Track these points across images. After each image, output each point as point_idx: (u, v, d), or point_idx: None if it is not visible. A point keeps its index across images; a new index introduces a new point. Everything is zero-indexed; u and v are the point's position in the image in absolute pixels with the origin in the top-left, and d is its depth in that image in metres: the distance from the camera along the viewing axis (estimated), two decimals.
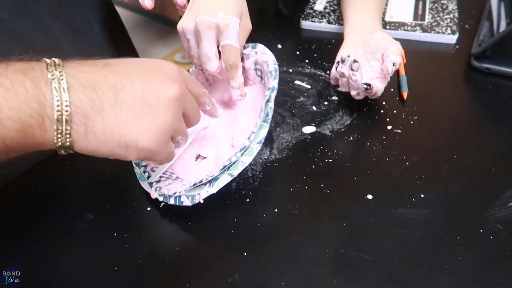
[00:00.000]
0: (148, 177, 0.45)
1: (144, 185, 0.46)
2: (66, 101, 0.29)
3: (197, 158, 0.49)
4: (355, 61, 0.50)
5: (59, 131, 0.29)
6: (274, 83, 0.42)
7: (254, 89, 0.51)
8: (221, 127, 0.52)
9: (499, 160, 0.48)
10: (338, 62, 0.52)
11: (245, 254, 0.41)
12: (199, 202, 0.42)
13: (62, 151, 0.30)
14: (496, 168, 0.47)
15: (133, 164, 0.47)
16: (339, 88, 0.55)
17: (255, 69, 0.50)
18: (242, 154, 0.41)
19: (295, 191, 0.46)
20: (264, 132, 0.41)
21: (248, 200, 0.46)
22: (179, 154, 0.48)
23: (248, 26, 0.48)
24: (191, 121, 0.38)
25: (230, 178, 0.41)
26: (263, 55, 0.47)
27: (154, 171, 0.46)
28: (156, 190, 0.44)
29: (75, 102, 0.29)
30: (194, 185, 0.42)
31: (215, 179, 0.42)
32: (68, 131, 0.29)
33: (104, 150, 0.31)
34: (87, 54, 0.37)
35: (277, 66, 0.45)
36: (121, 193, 0.48)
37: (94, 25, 0.61)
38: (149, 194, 0.45)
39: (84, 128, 0.30)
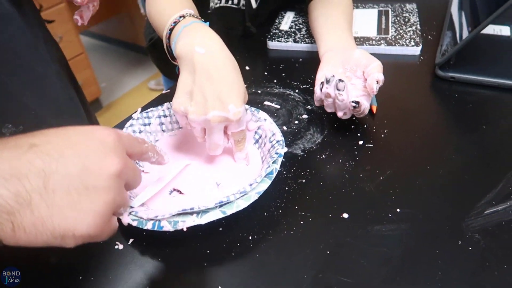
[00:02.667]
0: None
1: None
2: None
3: (171, 192, 0.47)
4: (340, 80, 0.49)
5: None
6: (282, 151, 0.47)
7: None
8: (203, 166, 0.51)
9: (471, 168, 0.48)
10: (322, 83, 0.51)
11: None
12: (182, 229, 0.40)
13: None
14: (469, 176, 0.47)
15: None
16: (325, 108, 0.54)
17: (255, 132, 0.52)
18: (240, 197, 0.41)
19: (269, 216, 0.45)
20: (265, 186, 0.43)
21: (220, 229, 0.44)
22: (154, 192, 0.46)
23: (246, 97, 0.47)
24: (131, 187, 0.35)
25: (221, 215, 0.41)
26: (271, 124, 0.51)
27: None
28: (130, 214, 0.41)
29: None
30: (182, 210, 0.40)
31: (205, 211, 0.41)
32: None
33: (36, 242, 0.28)
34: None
35: (283, 138, 0.49)
36: None
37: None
38: (121, 226, 0.42)
39: (11, 226, 0.26)
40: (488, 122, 0.54)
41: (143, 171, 0.49)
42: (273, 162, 0.45)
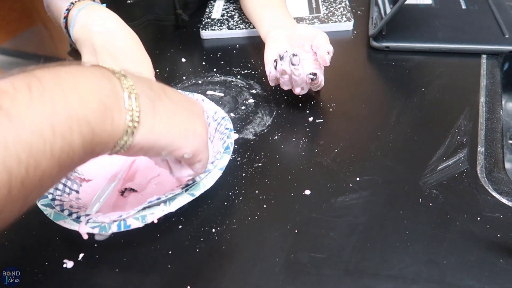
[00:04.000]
0: (70, 213, 0.38)
1: (66, 223, 0.37)
2: (131, 85, 0.28)
3: (123, 192, 0.43)
4: (294, 55, 0.47)
5: (131, 110, 0.27)
6: (230, 125, 0.46)
7: None
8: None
9: (418, 129, 0.49)
10: (275, 61, 0.49)
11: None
12: (152, 222, 0.37)
13: (124, 141, 0.28)
14: (418, 136, 0.48)
15: (41, 207, 0.39)
16: (282, 86, 0.52)
17: None
18: (204, 177, 0.40)
19: (230, 205, 0.42)
20: (225, 161, 0.42)
21: (180, 226, 0.41)
22: (110, 190, 0.42)
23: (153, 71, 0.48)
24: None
25: (191, 198, 0.39)
26: (210, 103, 0.50)
27: (74, 207, 0.39)
28: (88, 222, 0.37)
29: (137, 85, 0.29)
30: (148, 203, 0.37)
31: (172, 198, 0.38)
32: (137, 110, 0.28)
33: (166, 136, 0.30)
34: None
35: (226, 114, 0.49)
36: (25, 257, 0.40)
37: None
38: (67, 242, 0.38)
39: (151, 110, 0.29)
40: (426, 84, 0.56)
41: (84, 179, 0.44)
42: (227, 137, 0.44)
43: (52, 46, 2.27)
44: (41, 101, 0.23)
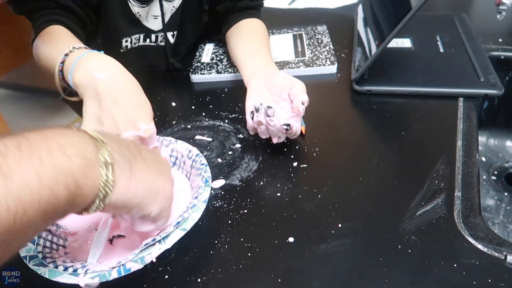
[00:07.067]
0: (65, 268, 0.38)
1: (63, 278, 0.37)
2: (109, 150, 0.31)
3: (111, 240, 0.44)
4: (269, 107, 0.50)
5: (108, 171, 0.31)
6: (204, 161, 0.49)
7: None
8: None
9: (398, 174, 0.51)
10: (252, 112, 0.52)
11: None
12: (152, 261, 0.39)
13: (102, 196, 0.31)
14: (397, 181, 0.50)
15: (33, 268, 0.38)
16: (260, 136, 0.55)
17: (170, 155, 0.54)
18: (192, 212, 0.42)
19: (216, 254, 0.43)
20: (207, 194, 0.44)
21: (167, 277, 0.42)
22: (105, 237, 0.43)
23: (152, 114, 0.51)
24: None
25: (183, 233, 0.41)
26: (183, 144, 0.53)
27: (67, 262, 0.40)
28: (86, 273, 0.37)
29: (115, 149, 0.32)
30: (145, 245, 0.39)
31: (165, 237, 0.40)
32: (112, 168, 0.31)
33: (139, 196, 0.34)
34: None
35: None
36: None
37: None
38: None
39: (128, 171, 0.33)
40: (405, 128, 0.58)
41: (69, 233, 0.45)
42: (204, 172, 0.47)
43: (48, 79, 2.30)
44: (29, 157, 0.26)
